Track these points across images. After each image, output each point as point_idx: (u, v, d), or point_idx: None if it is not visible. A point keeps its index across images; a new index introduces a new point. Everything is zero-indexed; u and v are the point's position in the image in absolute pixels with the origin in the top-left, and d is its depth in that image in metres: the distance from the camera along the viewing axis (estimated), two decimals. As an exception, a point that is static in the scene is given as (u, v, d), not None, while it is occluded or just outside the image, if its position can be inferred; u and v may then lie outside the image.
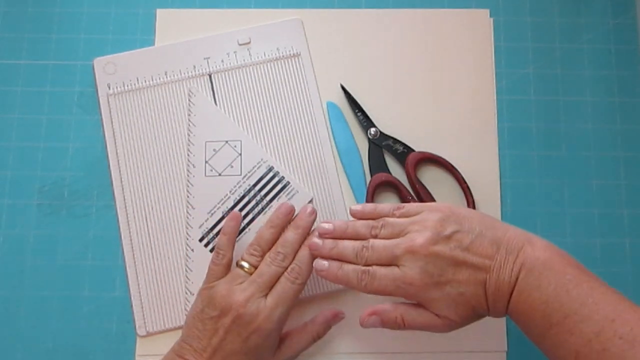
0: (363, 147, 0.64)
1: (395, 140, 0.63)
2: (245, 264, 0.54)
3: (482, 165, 0.63)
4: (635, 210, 0.63)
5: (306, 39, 0.66)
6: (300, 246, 0.55)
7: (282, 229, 0.56)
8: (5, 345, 0.59)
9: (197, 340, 0.52)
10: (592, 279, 0.47)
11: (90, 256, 0.61)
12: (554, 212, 0.63)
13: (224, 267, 0.55)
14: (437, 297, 0.50)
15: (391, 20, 0.67)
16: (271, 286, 0.53)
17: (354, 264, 0.52)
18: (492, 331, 0.59)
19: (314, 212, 0.56)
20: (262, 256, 0.55)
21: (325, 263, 0.53)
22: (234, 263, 0.55)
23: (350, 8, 0.67)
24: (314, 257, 0.54)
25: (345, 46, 0.66)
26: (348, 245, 0.53)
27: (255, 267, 0.54)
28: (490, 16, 0.67)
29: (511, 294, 0.48)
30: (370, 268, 0.51)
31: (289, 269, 0.54)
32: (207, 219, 0.61)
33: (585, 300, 0.45)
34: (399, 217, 0.53)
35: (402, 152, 0.63)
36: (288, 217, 0.56)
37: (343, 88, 0.64)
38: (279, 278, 0.53)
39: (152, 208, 0.62)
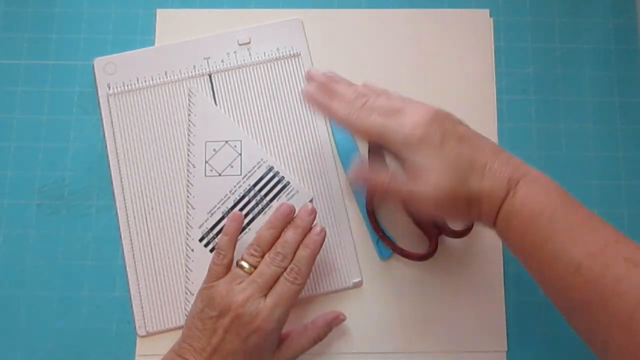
0: (364, 145, 0.63)
1: None
2: (245, 264, 0.54)
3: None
4: (635, 210, 0.63)
5: (306, 39, 0.66)
6: (298, 245, 0.55)
7: (282, 229, 0.56)
8: (5, 345, 0.59)
9: (197, 339, 0.52)
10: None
11: (90, 256, 0.61)
12: (554, 212, 0.63)
13: (224, 267, 0.55)
14: (432, 154, 0.48)
15: (391, 20, 0.67)
16: (271, 286, 0.53)
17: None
18: (492, 331, 0.59)
19: (313, 212, 0.56)
20: (262, 256, 0.54)
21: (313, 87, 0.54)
22: (234, 263, 0.55)
23: (350, 8, 0.67)
24: (314, 257, 0.54)
25: (345, 46, 0.66)
26: (346, 89, 0.53)
27: (255, 267, 0.54)
28: (490, 16, 0.67)
29: (507, 193, 0.46)
30: (368, 99, 0.51)
31: (288, 269, 0.53)
32: (207, 218, 0.61)
33: (591, 217, 0.45)
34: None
35: None
36: (288, 218, 0.56)
37: None
38: (278, 278, 0.53)
39: (152, 208, 0.62)
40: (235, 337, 0.51)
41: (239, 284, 0.53)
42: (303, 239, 0.55)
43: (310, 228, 0.55)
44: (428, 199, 0.48)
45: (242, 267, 0.54)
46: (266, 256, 0.54)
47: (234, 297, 0.52)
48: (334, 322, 0.59)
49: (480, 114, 0.65)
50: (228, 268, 0.55)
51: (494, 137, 0.64)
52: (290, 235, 0.55)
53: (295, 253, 0.54)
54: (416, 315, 0.60)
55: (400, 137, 0.49)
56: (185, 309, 0.60)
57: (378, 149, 0.59)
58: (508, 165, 0.48)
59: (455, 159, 0.48)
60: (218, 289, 0.53)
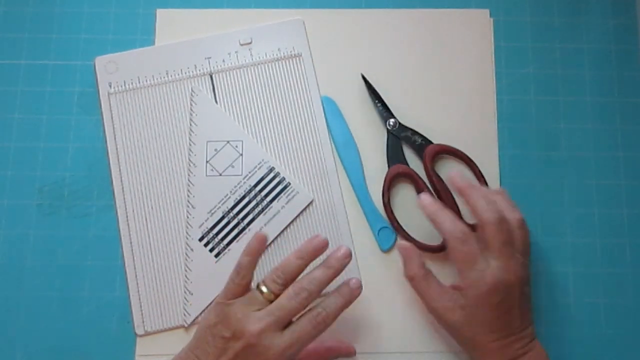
0: (382, 138, 0.64)
1: (414, 132, 0.63)
2: (265, 289, 0.52)
3: (482, 165, 0.63)
4: (635, 210, 0.63)
5: (307, 40, 0.66)
6: (326, 286, 0.52)
7: (310, 261, 0.53)
8: (5, 345, 0.59)
9: (205, 354, 0.51)
10: None
11: (90, 256, 0.61)
12: (554, 212, 0.63)
13: (242, 288, 0.52)
14: (480, 307, 0.53)
15: (391, 20, 0.67)
16: (288, 322, 0.51)
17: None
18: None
19: (349, 256, 0.53)
20: (285, 285, 0.52)
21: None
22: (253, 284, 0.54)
23: (350, 8, 0.67)
24: (344, 308, 0.53)
25: (346, 46, 0.66)
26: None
27: (275, 295, 0.51)
28: (490, 16, 0.67)
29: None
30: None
31: (315, 312, 0.51)
32: (208, 218, 0.61)
33: None
34: None
35: (421, 143, 0.63)
36: (319, 252, 0.53)
37: (364, 78, 0.65)
38: (297, 314, 0.51)
39: (152, 208, 0.62)
40: None
41: (257, 311, 0.51)
42: (332, 280, 0.53)
43: (341, 269, 0.53)
44: (439, 319, 0.55)
45: (261, 291, 0.52)
46: (290, 288, 0.52)
47: (250, 324, 0.50)
48: (344, 353, 0.58)
49: (480, 114, 0.65)
50: (246, 288, 0.53)
51: (494, 137, 0.64)
52: (320, 273, 0.52)
53: (320, 292, 0.52)
54: (416, 315, 0.60)
55: (473, 282, 0.53)
56: (185, 309, 0.60)
57: (396, 140, 0.63)
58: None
59: (488, 319, 0.53)
60: (234, 309, 0.51)
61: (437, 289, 0.55)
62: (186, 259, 0.61)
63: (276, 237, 0.61)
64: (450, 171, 0.58)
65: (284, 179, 0.62)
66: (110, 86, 0.64)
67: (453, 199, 0.61)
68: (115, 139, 0.63)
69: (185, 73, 0.64)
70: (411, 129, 0.63)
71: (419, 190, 0.62)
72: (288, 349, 0.50)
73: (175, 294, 0.60)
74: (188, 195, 0.62)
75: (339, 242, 0.61)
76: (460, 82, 0.65)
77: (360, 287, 0.54)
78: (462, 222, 0.55)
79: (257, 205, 0.62)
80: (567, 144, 0.64)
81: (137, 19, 0.67)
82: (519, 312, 0.53)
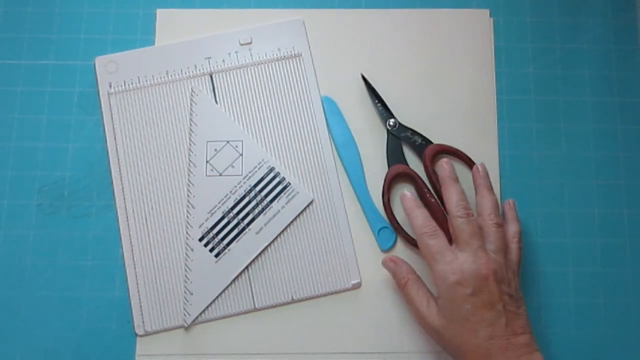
0: (382, 138, 0.64)
1: (414, 132, 0.63)
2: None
3: (482, 165, 0.63)
4: (635, 210, 0.63)
5: (307, 40, 0.66)
6: None
7: None
8: (5, 345, 0.59)
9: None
10: None
11: (90, 256, 0.61)
12: (554, 212, 0.63)
13: None
14: (454, 301, 0.53)
15: (391, 20, 0.67)
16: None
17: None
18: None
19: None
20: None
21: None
22: None
23: (350, 8, 0.67)
24: None
25: (346, 46, 0.66)
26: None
27: None
28: (490, 16, 0.67)
29: None
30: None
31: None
32: (208, 218, 0.61)
33: None
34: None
35: (421, 143, 0.63)
36: None
37: (364, 78, 0.65)
38: None
39: (152, 208, 0.62)
40: None
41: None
42: None
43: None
44: (422, 320, 0.55)
45: None
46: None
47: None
48: None
49: (480, 114, 0.65)
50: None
51: (494, 137, 0.64)
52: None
53: None
54: (417, 315, 0.60)
55: (442, 274, 0.54)
56: (184, 309, 0.60)
57: (396, 140, 0.64)
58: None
59: (463, 315, 0.52)
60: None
61: (426, 294, 0.56)
62: (186, 259, 0.61)
63: (276, 237, 0.61)
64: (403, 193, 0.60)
65: (284, 179, 0.62)
66: (110, 86, 0.64)
67: None
68: (115, 139, 0.63)
69: (185, 73, 0.64)
70: (411, 129, 0.64)
71: (419, 190, 0.62)
72: None
73: (175, 294, 0.60)
74: (188, 195, 0.62)
75: (339, 242, 0.61)
76: (460, 82, 0.65)
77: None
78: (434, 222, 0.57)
79: (257, 205, 0.62)
80: (567, 144, 0.64)
81: (137, 19, 0.67)
82: (504, 312, 0.52)
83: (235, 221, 0.61)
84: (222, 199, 0.62)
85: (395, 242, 0.62)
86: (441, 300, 0.54)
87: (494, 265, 0.53)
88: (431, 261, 0.55)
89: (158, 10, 0.67)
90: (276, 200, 0.62)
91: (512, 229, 0.58)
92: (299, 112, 0.64)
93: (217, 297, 0.60)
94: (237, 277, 0.60)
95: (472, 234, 0.55)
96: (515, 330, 0.52)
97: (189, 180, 0.62)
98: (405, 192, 0.59)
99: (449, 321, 0.53)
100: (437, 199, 0.61)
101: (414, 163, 0.63)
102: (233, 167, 0.62)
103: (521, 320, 0.53)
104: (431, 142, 0.63)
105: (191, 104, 0.64)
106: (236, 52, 0.65)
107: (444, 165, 0.60)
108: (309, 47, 0.65)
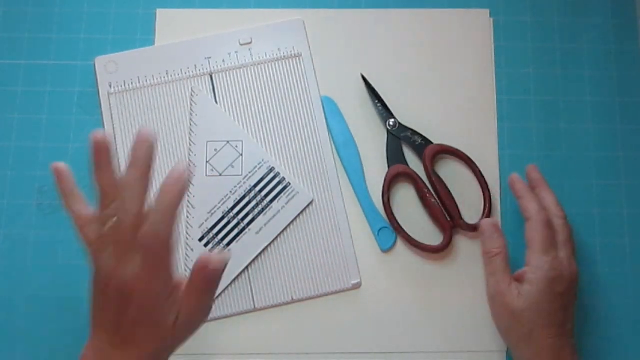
0: (382, 138, 0.64)
1: (414, 132, 0.63)
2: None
3: (482, 165, 0.63)
4: (635, 210, 0.63)
5: (307, 40, 0.66)
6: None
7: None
8: (5, 345, 0.59)
9: None
10: None
11: (90, 256, 0.61)
12: (554, 212, 0.63)
13: None
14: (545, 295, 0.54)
15: (391, 21, 0.67)
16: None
17: None
18: (492, 331, 0.59)
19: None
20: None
21: None
22: None
23: (350, 8, 0.67)
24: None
25: (346, 46, 0.66)
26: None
27: None
28: (490, 16, 0.67)
29: None
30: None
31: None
32: (208, 218, 0.61)
33: None
34: None
35: (421, 144, 0.63)
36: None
37: (364, 78, 0.65)
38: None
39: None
40: None
41: None
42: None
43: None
44: (502, 303, 0.55)
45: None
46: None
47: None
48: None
49: (480, 114, 0.65)
50: None
51: (494, 137, 0.64)
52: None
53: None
54: (416, 315, 0.60)
55: (544, 265, 0.55)
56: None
57: (396, 140, 0.64)
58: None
59: (544, 307, 0.54)
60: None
61: (510, 274, 0.56)
62: (186, 259, 0.61)
63: (276, 237, 0.61)
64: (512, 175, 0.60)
65: (284, 179, 0.62)
66: (110, 86, 0.64)
67: (453, 198, 0.61)
68: (115, 139, 0.63)
69: (185, 73, 0.64)
70: (411, 129, 0.64)
71: (418, 191, 0.62)
72: None
73: (175, 294, 0.60)
74: (188, 195, 0.62)
75: (339, 242, 0.61)
76: (460, 82, 0.65)
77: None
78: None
79: (257, 205, 0.62)
80: (567, 144, 0.64)
81: (137, 19, 0.67)
82: (572, 315, 0.55)
83: (235, 221, 0.61)
84: (222, 199, 0.62)
85: (395, 242, 0.62)
86: (530, 286, 0.54)
87: (577, 274, 0.56)
88: (538, 248, 0.55)
89: (158, 10, 0.67)
90: (276, 200, 0.62)
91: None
92: (299, 112, 0.64)
93: (217, 297, 0.60)
94: (237, 277, 0.60)
95: (568, 238, 0.57)
96: (573, 333, 0.55)
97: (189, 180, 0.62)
98: (514, 175, 0.60)
99: (529, 308, 0.54)
100: (437, 199, 0.61)
101: (414, 163, 0.63)
102: (233, 167, 0.62)
103: (572, 325, 0.56)
104: (431, 142, 0.63)
105: (191, 104, 0.64)
106: (236, 52, 0.65)
107: (534, 169, 0.61)
108: (309, 47, 0.65)
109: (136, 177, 0.45)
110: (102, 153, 0.47)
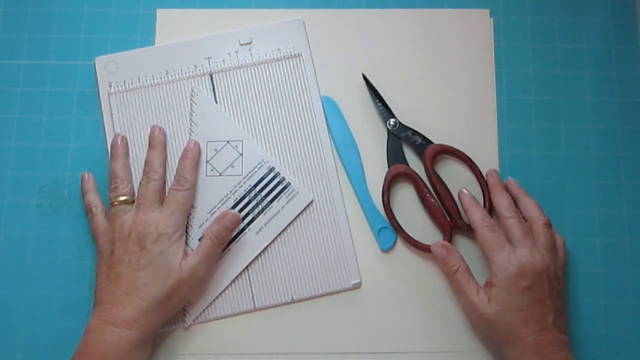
0: (382, 138, 0.64)
1: (414, 132, 0.63)
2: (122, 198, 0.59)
3: (482, 165, 0.63)
4: (635, 210, 0.63)
5: (307, 40, 0.66)
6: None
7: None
8: (5, 345, 0.59)
9: None
10: None
11: (90, 256, 0.61)
12: (554, 212, 0.62)
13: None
14: (511, 294, 0.54)
15: (391, 21, 0.67)
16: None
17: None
18: (493, 331, 0.59)
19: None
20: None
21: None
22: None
23: (350, 8, 0.67)
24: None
25: (346, 46, 0.66)
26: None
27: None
28: (490, 16, 0.67)
29: None
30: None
31: (175, 180, 0.60)
32: (208, 218, 0.61)
33: None
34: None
35: (421, 143, 0.63)
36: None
37: (365, 78, 0.65)
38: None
39: (152, 208, 0.62)
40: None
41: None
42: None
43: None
44: (472, 309, 0.56)
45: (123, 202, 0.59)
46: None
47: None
48: (225, 220, 0.59)
49: (480, 114, 0.65)
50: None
51: (494, 137, 0.64)
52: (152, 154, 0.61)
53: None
54: (416, 315, 0.60)
55: (502, 265, 0.56)
56: (185, 309, 0.60)
57: (396, 140, 0.64)
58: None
59: (517, 305, 0.54)
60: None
61: (475, 283, 0.57)
62: (186, 259, 0.61)
63: (276, 237, 0.61)
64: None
65: (284, 179, 0.62)
66: (110, 86, 0.64)
67: (452, 199, 0.61)
68: (115, 139, 0.63)
69: (185, 73, 0.64)
70: (411, 129, 0.64)
71: (418, 190, 0.62)
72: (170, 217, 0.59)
73: (175, 294, 0.60)
74: (188, 195, 0.62)
75: (339, 242, 0.61)
76: (460, 82, 0.65)
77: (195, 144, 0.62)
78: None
79: (257, 205, 0.62)
80: (567, 144, 0.64)
81: (137, 19, 0.67)
82: (552, 308, 0.54)
83: (235, 221, 0.61)
84: (222, 199, 0.62)
85: (395, 242, 0.62)
86: (496, 289, 0.55)
87: (547, 262, 0.56)
88: (490, 252, 0.56)
89: (158, 10, 0.67)
90: (276, 200, 0.62)
91: (543, 219, 0.59)
92: (299, 112, 0.64)
93: (217, 297, 0.60)
94: (237, 277, 0.60)
95: (525, 233, 0.57)
96: (559, 328, 0.55)
97: (189, 180, 0.62)
98: (464, 190, 0.61)
99: (501, 310, 0.54)
100: (436, 199, 0.61)
101: (414, 163, 0.63)
102: (233, 167, 0.62)
103: (563, 319, 0.56)
104: (431, 142, 0.63)
105: (191, 104, 0.64)
106: (236, 52, 0.65)
107: (492, 173, 0.62)
108: (309, 47, 0.65)
109: (155, 154, 0.61)
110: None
